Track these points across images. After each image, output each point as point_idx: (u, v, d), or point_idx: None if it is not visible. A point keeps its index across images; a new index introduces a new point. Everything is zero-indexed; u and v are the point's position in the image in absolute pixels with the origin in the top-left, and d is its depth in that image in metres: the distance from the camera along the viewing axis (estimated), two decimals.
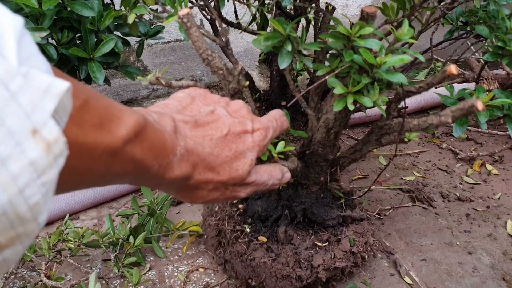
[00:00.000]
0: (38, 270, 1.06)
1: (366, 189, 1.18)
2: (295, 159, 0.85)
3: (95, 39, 1.27)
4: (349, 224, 1.04)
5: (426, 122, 0.82)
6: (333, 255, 0.97)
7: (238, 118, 0.51)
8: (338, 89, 0.69)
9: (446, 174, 1.54)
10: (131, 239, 1.17)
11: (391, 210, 1.35)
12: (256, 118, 0.53)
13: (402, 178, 1.50)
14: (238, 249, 1.00)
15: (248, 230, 1.02)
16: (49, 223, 1.39)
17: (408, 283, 1.10)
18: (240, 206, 1.06)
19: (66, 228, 1.16)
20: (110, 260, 1.21)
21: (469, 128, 1.77)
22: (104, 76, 1.29)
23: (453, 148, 1.66)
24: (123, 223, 1.26)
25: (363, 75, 0.70)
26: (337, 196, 1.04)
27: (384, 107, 0.83)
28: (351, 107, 0.68)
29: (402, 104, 1.34)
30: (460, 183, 1.49)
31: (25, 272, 1.22)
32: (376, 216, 1.32)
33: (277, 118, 0.56)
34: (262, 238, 1.00)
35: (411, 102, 1.82)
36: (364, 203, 1.01)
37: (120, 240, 1.19)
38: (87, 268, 1.20)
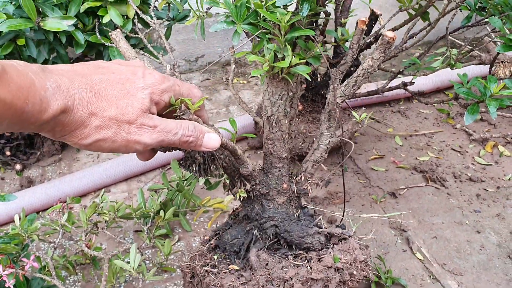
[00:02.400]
0: (79, 241, 1.16)
1: (342, 215, 1.05)
2: (248, 161, 0.84)
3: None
4: (335, 245, 0.90)
5: (352, 78, 0.84)
6: (309, 268, 0.85)
7: (129, 67, 0.54)
8: (252, 57, 0.75)
9: (459, 155, 1.60)
10: (161, 212, 1.27)
11: (405, 189, 1.42)
12: (152, 70, 0.57)
13: (416, 158, 1.57)
14: (206, 282, 0.88)
15: (216, 257, 0.92)
16: (83, 195, 1.49)
17: (419, 259, 1.18)
18: (212, 241, 0.97)
19: (102, 202, 1.25)
20: (141, 231, 1.31)
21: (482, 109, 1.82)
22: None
23: (466, 129, 1.72)
24: (152, 197, 1.35)
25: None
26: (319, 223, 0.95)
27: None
28: (265, 68, 0.74)
29: (410, 79, 1.38)
30: (472, 164, 1.55)
31: (64, 241, 1.33)
32: (391, 194, 1.40)
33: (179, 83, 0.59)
34: (233, 267, 0.89)
35: (428, 82, 1.87)
36: (354, 228, 0.98)
37: (151, 214, 1.28)
38: (120, 239, 1.30)
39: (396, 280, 1.10)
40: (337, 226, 0.95)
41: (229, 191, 0.93)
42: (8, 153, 1.66)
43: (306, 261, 0.87)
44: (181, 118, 0.63)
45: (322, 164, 1.09)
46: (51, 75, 0.46)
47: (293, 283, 0.82)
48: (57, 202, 1.39)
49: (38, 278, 1.02)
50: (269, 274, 0.84)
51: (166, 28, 1.48)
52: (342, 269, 0.85)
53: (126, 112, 0.50)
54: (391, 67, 2.14)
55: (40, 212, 1.43)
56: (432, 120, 1.81)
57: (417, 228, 1.28)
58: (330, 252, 0.88)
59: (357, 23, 0.80)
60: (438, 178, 1.46)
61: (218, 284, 0.85)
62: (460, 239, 1.24)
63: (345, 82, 0.86)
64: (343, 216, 0.97)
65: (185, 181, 1.39)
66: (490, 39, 1.78)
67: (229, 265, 0.90)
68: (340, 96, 0.86)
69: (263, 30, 0.75)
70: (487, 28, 1.59)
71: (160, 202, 1.32)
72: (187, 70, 2.18)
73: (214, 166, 0.78)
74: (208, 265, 0.90)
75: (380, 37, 0.77)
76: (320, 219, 0.96)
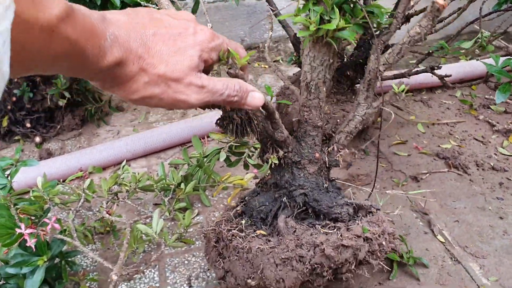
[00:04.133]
0: (99, 208, 1.16)
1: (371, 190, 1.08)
2: (283, 126, 0.82)
3: None
4: (363, 217, 0.90)
5: (398, 45, 0.82)
6: (339, 235, 0.83)
7: (181, 22, 0.53)
8: (298, 19, 0.72)
9: (481, 145, 1.58)
10: (182, 185, 1.26)
11: (428, 174, 1.41)
12: (203, 26, 0.55)
13: (439, 146, 1.55)
14: (234, 245, 0.86)
15: (243, 222, 0.90)
16: (103, 168, 1.49)
17: (441, 241, 1.17)
18: (238, 207, 0.96)
19: (123, 172, 1.25)
20: (160, 204, 1.31)
21: (508, 101, 1.79)
22: None
23: (490, 120, 1.69)
24: (174, 170, 1.35)
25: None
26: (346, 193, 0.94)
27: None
28: (312, 29, 0.71)
29: (444, 72, 1.37)
30: (495, 154, 1.53)
31: (83, 211, 1.33)
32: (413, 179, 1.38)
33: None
34: (261, 231, 0.88)
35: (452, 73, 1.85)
36: (381, 202, 0.95)
37: (172, 186, 1.28)
38: (139, 211, 1.30)
39: (418, 259, 1.08)
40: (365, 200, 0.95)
41: (259, 158, 0.92)
42: (28, 125, 1.67)
43: (335, 229, 0.85)
44: (228, 72, 0.63)
45: (346, 149, 1.09)
46: (111, 25, 0.46)
47: (324, 248, 0.80)
48: (78, 170, 1.40)
49: (58, 240, 1.02)
50: (298, 240, 0.83)
51: (194, 3, 1.48)
52: (371, 239, 0.84)
53: (175, 69, 0.50)
54: (413, 58, 2.12)
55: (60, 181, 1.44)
56: (454, 110, 1.79)
57: (439, 211, 1.26)
58: (358, 224, 0.86)
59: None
60: (461, 165, 1.44)
61: (246, 246, 0.84)
62: (482, 223, 1.22)
63: (389, 50, 0.84)
64: (372, 191, 0.96)
65: (206, 158, 1.39)
66: None
67: (255, 230, 0.89)
68: (383, 64, 0.84)
69: None
70: None
71: (181, 175, 1.32)
72: None
73: (250, 128, 0.79)
74: (235, 229, 0.88)
75: (430, 4, 0.74)
76: (349, 191, 0.94)
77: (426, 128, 1.66)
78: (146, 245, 1.21)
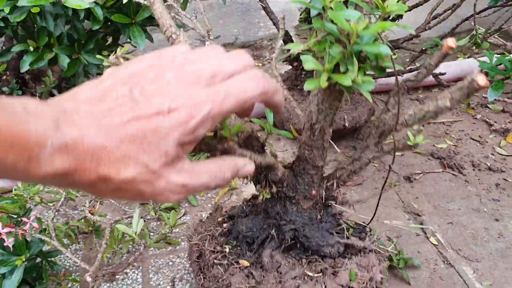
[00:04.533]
0: (82, 208, 1.13)
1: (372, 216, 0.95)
2: (278, 165, 0.78)
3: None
4: (353, 255, 0.85)
5: (422, 111, 0.71)
6: (324, 287, 0.79)
7: (158, 95, 0.38)
8: (309, 64, 0.58)
9: (478, 144, 1.54)
10: None
11: (421, 174, 1.37)
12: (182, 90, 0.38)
13: (434, 145, 1.52)
14: (214, 273, 0.83)
15: (227, 249, 0.86)
16: None
17: (433, 244, 1.13)
18: (225, 225, 0.92)
19: None
20: (147, 203, 1.27)
21: (506, 100, 1.76)
22: (144, 41, 1.34)
23: (487, 119, 1.66)
24: None
25: (337, 45, 0.59)
26: (346, 227, 0.88)
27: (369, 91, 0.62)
28: (323, 84, 0.58)
29: (439, 70, 1.33)
30: (492, 154, 1.49)
31: (68, 210, 1.30)
32: (406, 179, 1.35)
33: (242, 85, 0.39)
34: (244, 262, 0.83)
35: (448, 71, 1.81)
36: (375, 234, 0.90)
37: None
38: (124, 211, 1.27)
39: (409, 260, 1.05)
40: (356, 227, 0.89)
41: (253, 183, 0.87)
42: None
43: (321, 273, 0.81)
44: (214, 146, 0.58)
45: (336, 147, 1.05)
46: (63, 124, 0.33)
47: None
48: None
49: (37, 240, 0.99)
50: (280, 282, 0.78)
51: (182, 1, 1.45)
52: None
53: (147, 171, 0.37)
54: (409, 56, 2.08)
55: None
56: (423, 143, 1.75)
57: (432, 213, 1.23)
58: (347, 264, 0.81)
59: (442, 45, 0.68)
60: (456, 165, 1.40)
61: (226, 281, 0.80)
62: (477, 226, 1.19)
63: (411, 112, 0.76)
64: (371, 220, 0.92)
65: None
66: None
67: (239, 255, 0.85)
68: (400, 124, 0.78)
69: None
70: None
71: None
72: (202, 46, 2.15)
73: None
74: (217, 252, 0.85)
75: (468, 80, 0.65)
76: (343, 227, 0.88)
77: (421, 127, 1.62)
78: (130, 246, 1.17)
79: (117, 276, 1.10)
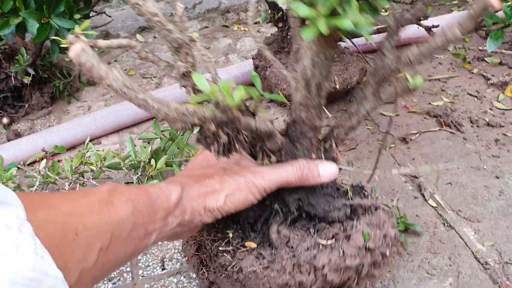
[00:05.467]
0: (62, 191, 1.08)
1: (372, 172, 0.92)
2: (276, 134, 0.72)
3: None
4: (361, 216, 0.80)
5: (430, 46, 0.65)
6: (341, 252, 0.73)
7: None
8: (302, 10, 0.53)
9: (476, 100, 1.47)
10: (152, 161, 1.17)
11: (417, 134, 1.31)
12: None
13: (430, 103, 1.45)
14: (221, 262, 0.76)
15: (231, 235, 0.79)
16: (72, 147, 1.40)
17: (432, 206, 1.08)
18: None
19: (88, 151, 1.16)
20: (132, 183, 1.22)
21: (504, 51, 1.68)
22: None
23: (484, 73, 1.59)
24: (144, 147, 1.25)
25: None
26: (344, 190, 0.83)
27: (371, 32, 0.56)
28: (325, 30, 0.52)
29: (432, 23, 1.26)
30: (491, 109, 1.43)
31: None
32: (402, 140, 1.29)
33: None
34: (250, 244, 0.77)
35: (440, 24, 1.73)
36: (377, 192, 0.86)
37: (142, 163, 1.18)
38: None
39: (410, 226, 1.00)
40: (355, 189, 0.83)
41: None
42: None
43: (333, 238, 0.75)
44: None
45: (327, 111, 0.97)
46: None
47: (326, 273, 0.71)
48: (40, 150, 1.30)
49: None
50: (294, 256, 0.73)
51: None
52: (373, 249, 0.74)
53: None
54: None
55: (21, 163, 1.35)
56: (446, 65, 1.68)
57: (430, 174, 1.17)
58: (357, 226, 0.76)
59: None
60: (453, 123, 1.34)
61: (236, 266, 0.74)
62: (477, 184, 1.13)
63: (414, 49, 0.68)
64: (370, 178, 0.87)
65: (179, 131, 1.29)
66: None
67: (243, 239, 0.79)
68: (403, 64, 0.72)
69: None
70: None
71: (151, 151, 1.22)
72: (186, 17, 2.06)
73: (239, 144, 0.68)
74: (220, 240, 0.78)
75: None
76: (347, 189, 0.83)
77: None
78: None
79: None
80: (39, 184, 1.02)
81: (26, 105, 1.61)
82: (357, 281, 0.75)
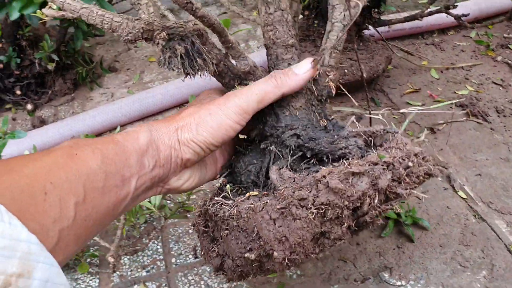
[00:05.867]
0: None
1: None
2: (244, 53, 0.67)
3: None
4: (379, 147, 0.68)
5: None
6: (347, 164, 0.61)
7: None
8: None
9: (501, 89, 1.47)
10: None
11: (444, 124, 1.31)
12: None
13: (454, 92, 1.45)
14: (221, 216, 0.64)
15: (228, 188, 0.69)
16: (98, 134, 1.41)
17: (463, 198, 1.09)
18: (222, 179, 0.74)
19: None
20: None
21: None
22: None
23: (509, 61, 1.58)
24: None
25: None
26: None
27: None
28: None
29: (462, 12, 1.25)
30: None
31: None
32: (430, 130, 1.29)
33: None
34: (251, 193, 0.65)
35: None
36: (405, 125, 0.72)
37: None
38: None
39: (419, 220, 1.00)
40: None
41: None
42: (18, 92, 1.57)
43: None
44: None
45: (353, 99, 0.94)
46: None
47: (327, 181, 0.58)
48: (71, 139, 1.31)
49: None
50: (297, 185, 0.61)
51: None
52: (393, 164, 0.61)
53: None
54: None
55: None
56: (469, 52, 1.66)
57: (459, 165, 1.18)
58: (373, 154, 0.64)
59: None
60: (480, 113, 1.34)
61: (234, 212, 0.62)
62: (507, 176, 1.14)
63: None
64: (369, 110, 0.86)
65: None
66: None
67: (245, 194, 0.67)
68: None
69: None
70: None
71: None
72: (203, 3, 2.04)
73: (202, 60, 0.62)
74: (220, 198, 0.66)
75: None
76: (353, 120, 0.73)
77: (440, 73, 1.55)
78: (147, 215, 1.13)
79: (137, 248, 1.07)
80: None
81: (49, 92, 1.61)
82: (380, 200, 0.61)
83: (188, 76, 0.62)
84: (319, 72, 0.68)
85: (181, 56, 0.60)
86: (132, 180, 0.53)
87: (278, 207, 0.59)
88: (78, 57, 1.62)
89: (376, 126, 0.70)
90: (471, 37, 1.74)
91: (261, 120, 0.70)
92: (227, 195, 0.67)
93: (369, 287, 0.91)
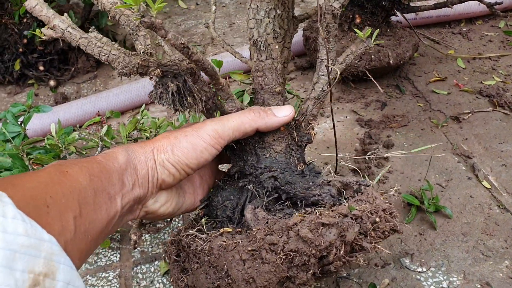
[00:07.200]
0: None
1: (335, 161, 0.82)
2: (234, 96, 0.71)
3: None
4: (350, 198, 0.71)
5: None
6: (318, 214, 0.65)
7: None
8: None
9: None
10: None
11: (470, 114, 1.29)
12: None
13: (481, 82, 1.42)
14: (193, 249, 0.67)
15: (204, 221, 0.71)
16: (121, 113, 1.42)
17: (486, 187, 1.07)
18: (199, 210, 0.77)
19: (143, 117, 1.17)
20: None
21: None
22: None
23: None
24: (196, 115, 1.26)
25: None
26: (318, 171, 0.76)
27: None
28: None
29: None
30: None
31: None
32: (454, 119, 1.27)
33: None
34: (225, 229, 0.68)
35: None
36: (378, 177, 0.78)
37: None
38: None
39: (441, 208, 0.99)
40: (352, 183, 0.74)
41: None
42: (41, 68, 1.58)
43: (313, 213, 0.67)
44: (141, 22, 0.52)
45: (378, 86, 0.94)
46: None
47: (298, 229, 0.62)
48: (96, 115, 1.32)
49: None
50: (269, 228, 0.64)
51: None
52: (361, 217, 0.65)
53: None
54: None
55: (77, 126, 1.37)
56: (497, 43, 1.63)
57: (484, 155, 1.16)
58: (344, 205, 0.68)
59: None
60: (507, 103, 1.32)
61: (206, 248, 0.65)
62: None
63: None
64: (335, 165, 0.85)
65: None
66: None
67: (219, 229, 0.70)
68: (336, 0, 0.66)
69: None
70: None
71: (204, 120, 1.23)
72: (204, 3, 2.03)
73: (192, 98, 0.65)
74: (194, 231, 0.69)
75: None
76: (329, 170, 0.76)
77: (466, 63, 1.53)
78: None
79: (158, 225, 1.08)
80: (99, 149, 1.04)
81: (72, 69, 1.62)
82: (346, 251, 0.64)
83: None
84: (300, 120, 0.75)
85: (172, 93, 0.63)
86: (117, 198, 0.55)
87: (249, 248, 0.62)
88: (101, 35, 1.62)
89: (350, 177, 0.74)
90: (499, 27, 1.71)
91: (243, 158, 0.75)
92: (202, 228, 0.70)
93: (390, 272, 0.91)
